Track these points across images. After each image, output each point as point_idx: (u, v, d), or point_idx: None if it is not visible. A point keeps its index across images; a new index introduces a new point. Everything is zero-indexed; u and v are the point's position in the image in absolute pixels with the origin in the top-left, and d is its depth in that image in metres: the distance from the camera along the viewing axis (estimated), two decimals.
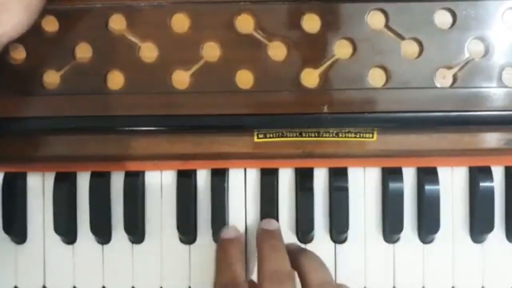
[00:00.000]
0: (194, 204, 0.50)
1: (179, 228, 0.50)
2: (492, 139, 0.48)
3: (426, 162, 0.50)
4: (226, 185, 0.50)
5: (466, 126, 0.47)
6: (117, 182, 0.50)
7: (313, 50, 0.46)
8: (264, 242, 0.46)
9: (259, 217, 0.50)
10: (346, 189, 0.49)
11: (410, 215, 0.50)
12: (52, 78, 0.47)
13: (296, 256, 0.45)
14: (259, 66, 0.46)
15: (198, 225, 0.51)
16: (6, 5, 0.40)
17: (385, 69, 0.46)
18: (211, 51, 0.46)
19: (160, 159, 0.49)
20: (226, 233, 0.48)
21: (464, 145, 0.48)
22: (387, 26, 0.46)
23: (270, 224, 0.49)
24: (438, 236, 0.50)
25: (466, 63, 0.46)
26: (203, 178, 0.50)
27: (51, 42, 0.47)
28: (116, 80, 0.47)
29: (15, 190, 0.51)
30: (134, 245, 0.51)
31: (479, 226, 0.49)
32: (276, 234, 0.47)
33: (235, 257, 0.46)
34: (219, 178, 0.50)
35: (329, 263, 0.49)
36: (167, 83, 0.46)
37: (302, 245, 0.50)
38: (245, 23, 0.46)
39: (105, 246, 0.51)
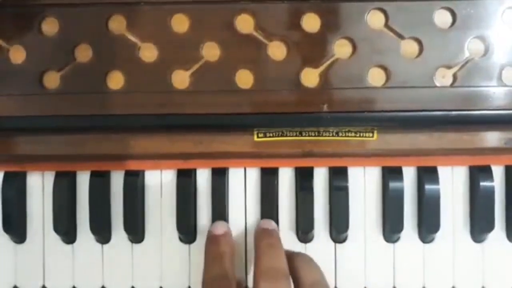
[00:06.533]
0: (194, 204, 0.50)
1: (179, 227, 0.50)
2: (492, 138, 0.48)
3: (426, 162, 0.50)
4: (226, 184, 0.50)
5: (466, 125, 0.47)
6: (117, 181, 0.50)
7: (313, 49, 0.46)
8: (262, 240, 0.47)
9: (259, 217, 0.50)
10: (346, 189, 0.49)
11: (410, 214, 0.50)
12: (52, 78, 0.47)
13: (290, 258, 0.46)
14: (259, 66, 0.46)
15: (198, 225, 0.51)
16: None
17: (385, 68, 0.46)
18: (211, 51, 0.47)
19: (160, 158, 0.49)
20: (215, 228, 0.48)
21: (464, 144, 0.48)
22: (387, 25, 0.46)
23: (269, 223, 0.49)
24: (438, 235, 0.50)
25: (466, 62, 0.46)
26: (203, 177, 0.50)
27: (51, 42, 0.47)
28: (116, 80, 0.47)
29: (14, 189, 0.50)
30: (134, 245, 0.51)
31: (480, 225, 0.49)
32: (273, 233, 0.48)
33: (225, 251, 0.46)
34: (219, 177, 0.50)
35: (329, 262, 0.50)
36: (167, 83, 0.47)
37: (302, 245, 0.50)
38: (245, 23, 0.46)
39: (105, 245, 0.51)
